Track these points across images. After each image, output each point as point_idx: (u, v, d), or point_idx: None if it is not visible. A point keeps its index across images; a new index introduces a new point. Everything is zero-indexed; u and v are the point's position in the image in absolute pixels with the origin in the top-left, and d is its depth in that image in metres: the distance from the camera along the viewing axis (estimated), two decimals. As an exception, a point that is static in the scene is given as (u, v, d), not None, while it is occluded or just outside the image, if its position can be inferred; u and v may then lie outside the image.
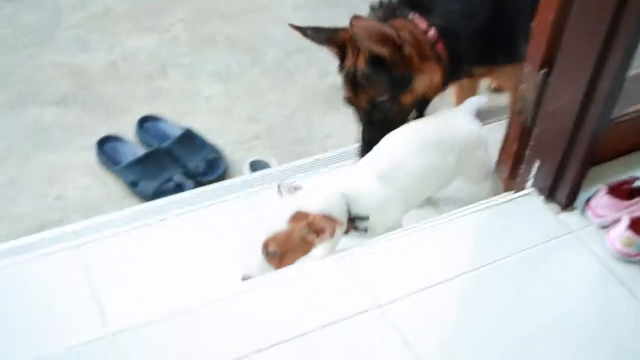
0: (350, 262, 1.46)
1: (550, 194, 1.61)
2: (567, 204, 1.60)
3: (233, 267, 1.44)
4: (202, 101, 2.50)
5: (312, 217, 1.37)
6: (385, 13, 1.70)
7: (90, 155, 2.23)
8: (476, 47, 1.74)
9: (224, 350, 1.28)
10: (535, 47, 1.47)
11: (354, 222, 1.46)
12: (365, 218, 1.46)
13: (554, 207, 1.61)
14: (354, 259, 1.47)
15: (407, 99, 1.69)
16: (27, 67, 2.60)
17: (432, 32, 1.67)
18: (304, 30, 1.74)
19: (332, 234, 1.37)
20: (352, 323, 1.33)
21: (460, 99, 2.23)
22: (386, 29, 1.59)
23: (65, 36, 2.76)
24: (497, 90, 2.52)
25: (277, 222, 1.38)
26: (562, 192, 1.58)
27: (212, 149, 2.22)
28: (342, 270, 1.44)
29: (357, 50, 1.67)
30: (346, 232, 1.48)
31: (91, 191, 2.12)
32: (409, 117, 1.74)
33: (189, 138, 2.22)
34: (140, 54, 2.69)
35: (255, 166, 2.18)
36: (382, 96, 1.67)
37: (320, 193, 1.43)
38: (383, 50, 1.61)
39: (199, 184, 2.13)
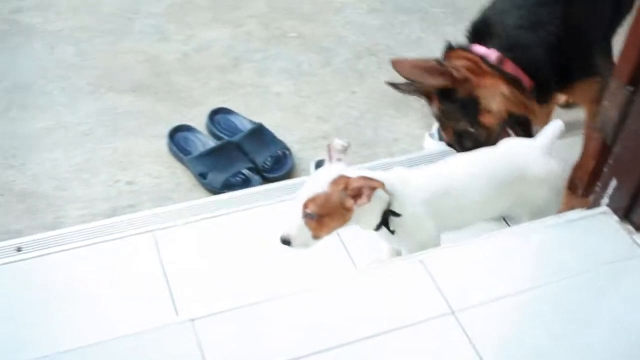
0: (427, 265, 1.46)
1: (625, 214, 1.57)
2: (643, 226, 1.56)
3: (299, 263, 1.46)
4: (272, 97, 2.53)
5: (351, 179, 1.36)
6: (446, 50, 1.78)
7: (161, 143, 2.28)
8: (552, 59, 1.73)
9: (293, 346, 1.30)
10: (624, 63, 1.44)
11: (387, 217, 1.44)
12: (397, 215, 1.44)
13: (629, 227, 1.57)
14: (430, 262, 1.47)
15: (488, 119, 1.71)
16: (105, 53, 2.67)
17: (494, 56, 1.71)
18: (395, 86, 1.83)
19: (369, 197, 1.35)
20: (423, 327, 1.34)
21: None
22: (424, 60, 1.68)
23: (144, 24, 2.83)
24: (568, 105, 2.49)
25: (319, 183, 1.37)
26: (639, 213, 1.55)
27: (281, 145, 2.25)
28: (418, 273, 1.44)
29: (430, 92, 1.75)
30: (377, 227, 1.46)
31: (161, 179, 2.17)
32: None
33: (260, 133, 2.25)
34: (214, 46, 2.74)
35: (322, 166, 2.19)
36: (460, 124, 1.73)
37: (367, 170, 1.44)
38: (436, 81, 1.68)
39: (265, 179, 2.17)
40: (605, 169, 1.58)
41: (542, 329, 1.37)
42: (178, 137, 2.27)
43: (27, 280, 1.63)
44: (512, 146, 1.60)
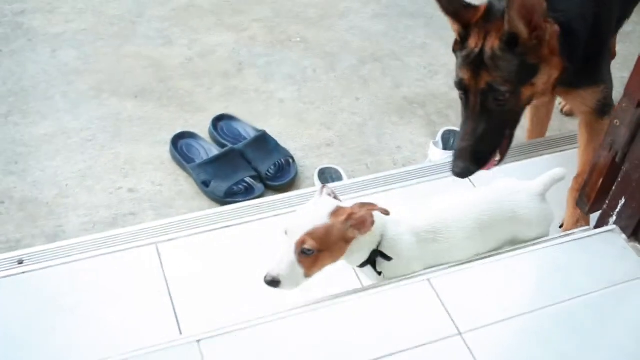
0: (434, 284, 1.45)
1: (633, 233, 1.56)
2: (651, 245, 1.55)
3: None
4: (276, 103, 2.51)
5: (353, 208, 1.30)
6: None
7: (164, 150, 2.26)
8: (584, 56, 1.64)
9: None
10: (636, 82, 1.42)
11: (374, 257, 1.40)
12: (388, 259, 1.40)
13: (637, 246, 1.56)
14: (437, 282, 1.45)
15: (526, 92, 1.59)
16: (108, 57, 2.66)
17: (556, 27, 1.55)
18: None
19: (372, 224, 1.30)
20: (430, 349, 1.33)
21: (534, 122, 2.19)
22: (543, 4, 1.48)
23: (148, 28, 2.81)
24: (569, 114, 2.47)
25: (316, 216, 1.27)
26: (647, 232, 1.54)
27: (285, 153, 2.23)
28: (425, 293, 1.43)
29: (485, 32, 1.55)
30: (362, 264, 1.41)
31: (163, 187, 2.16)
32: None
33: (263, 141, 2.23)
34: (218, 51, 2.72)
35: (325, 174, 2.18)
36: (505, 81, 1.55)
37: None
38: (524, 30, 1.50)
39: (268, 187, 2.15)
40: (614, 188, 1.56)
41: (550, 350, 1.35)
42: (181, 144, 2.25)
43: (28, 293, 1.61)
44: (506, 187, 1.55)
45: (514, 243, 1.54)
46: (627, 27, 2.21)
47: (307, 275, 1.29)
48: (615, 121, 1.50)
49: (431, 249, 1.44)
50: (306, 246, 1.25)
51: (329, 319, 1.39)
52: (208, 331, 1.35)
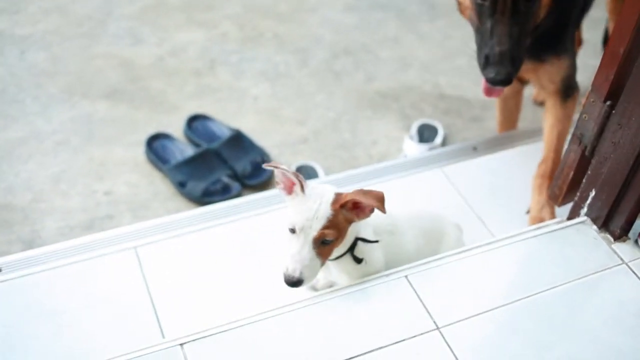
0: (411, 280, 1.48)
1: (604, 224, 1.60)
2: (621, 235, 1.59)
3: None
4: (249, 101, 2.51)
5: (352, 193, 1.34)
6: None
7: (139, 151, 2.26)
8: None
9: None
10: (602, 77, 1.46)
11: (355, 246, 1.44)
12: (369, 241, 1.44)
13: (607, 236, 1.60)
14: (414, 277, 1.48)
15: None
16: (78, 58, 2.63)
17: None
18: None
19: (371, 211, 1.35)
20: (409, 345, 1.35)
21: (504, 115, 2.22)
22: None
23: (117, 27, 2.79)
24: (543, 103, 2.51)
25: (322, 208, 1.31)
26: (617, 222, 1.58)
27: (260, 151, 2.24)
28: (403, 289, 1.46)
29: None
30: (340, 256, 1.44)
31: (139, 189, 2.15)
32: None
33: (238, 140, 2.24)
34: (189, 49, 2.71)
35: (301, 171, 2.19)
36: None
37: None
38: None
39: (245, 186, 2.16)
40: (584, 180, 1.60)
41: (526, 341, 1.39)
42: (156, 145, 2.25)
43: (7, 301, 1.60)
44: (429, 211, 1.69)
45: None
46: (596, 13, 2.25)
47: (323, 263, 1.36)
48: (584, 115, 1.54)
49: (387, 243, 1.50)
50: (328, 238, 1.32)
51: (310, 318, 1.40)
52: (191, 334, 1.36)
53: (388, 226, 1.50)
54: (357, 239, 1.43)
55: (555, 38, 1.79)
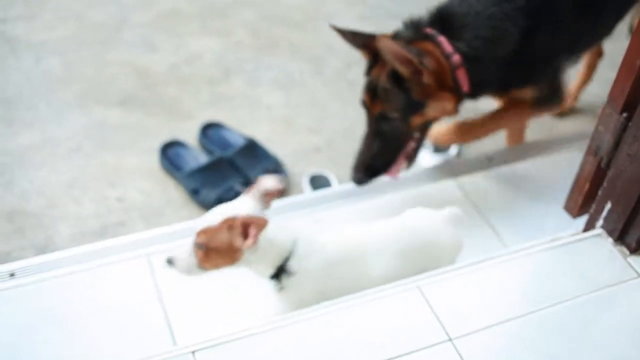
0: (423, 291, 1.46)
1: (619, 237, 1.58)
2: (637, 248, 1.57)
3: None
4: (263, 109, 2.51)
5: (237, 217, 1.34)
6: (415, 33, 1.76)
7: (152, 158, 2.26)
8: (499, 75, 1.81)
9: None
10: (619, 90, 1.44)
11: (279, 272, 1.42)
12: (292, 274, 1.41)
13: (623, 249, 1.58)
14: (427, 288, 1.47)
15: (417, 121, 1.79)
16: (93, 65, 2.64)
17: (456, 57, 1.73)
18: (343, 33, 1.82)
19: (255, 238, 1.32)
20: (421, 356, 1.34)
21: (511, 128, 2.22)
22: (410, 54, 1.65)
23: (132, 35, 2.80)
24: (560, 113, 2.49)
25: (215, 216, 1.36)
26: (633, 235, 1.56)
27: (273, 160, 2.24)
28: (415, 300, 1.45)
29: (384, 63, 1.73)
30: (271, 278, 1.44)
31: (152, 196, 2.15)
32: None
33: (252, 148, 2.24)
34: (204, 57, 2.71)
35: (315, 181, 2.19)
36: (394, 112, 1.77)
37: (282, 221, 1.43)
38: (405, 71, 1.69)
39: (257, 194, 2.16)
40: (600, 192, 1.58)
41: (539, 354, 1.37)
42: (170, 152, 2.25)
43: (21, 306, 1.60)
44: (418, 216, 1.57)
45: (424, 271, 1.53)
46: (619, 25, 2.22)
47: (200, 267, 1.39)
48: (600, 127, 1.52)
49: (341, 274, 1.45)
50: (197, 240, 1.36)
51: (322, 328, 1.39)
52: (203, 341, 1.35)
53: (349, 254, 1.46)
54: (281, 268, 1.41)
55: (524, 75, 1.86)
